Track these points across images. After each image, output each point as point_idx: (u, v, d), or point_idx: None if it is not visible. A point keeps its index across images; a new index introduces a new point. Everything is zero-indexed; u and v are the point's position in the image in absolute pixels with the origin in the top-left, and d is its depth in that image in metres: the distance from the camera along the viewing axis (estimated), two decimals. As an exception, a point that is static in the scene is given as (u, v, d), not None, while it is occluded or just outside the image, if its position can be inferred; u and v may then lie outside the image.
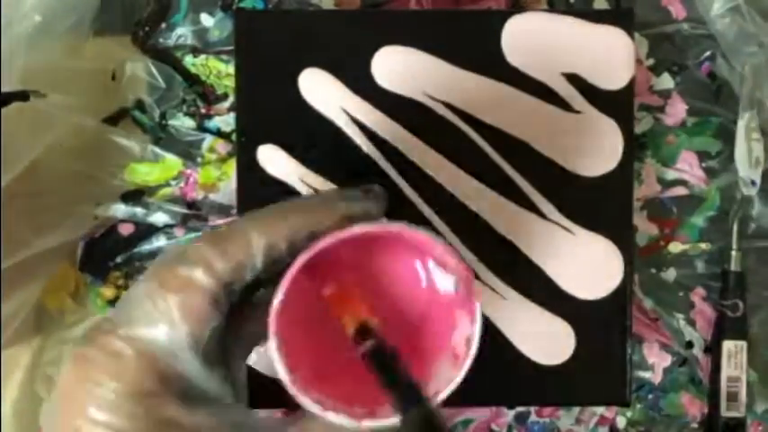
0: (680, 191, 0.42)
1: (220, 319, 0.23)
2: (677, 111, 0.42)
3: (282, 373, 0.23)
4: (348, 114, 0.37)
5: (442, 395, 0.24)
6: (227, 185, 0.41)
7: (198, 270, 0.23)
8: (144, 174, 0.41)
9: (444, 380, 0.25)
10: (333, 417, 0.23)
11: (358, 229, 0.24)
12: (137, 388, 0.22)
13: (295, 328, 0.24)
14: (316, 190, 0.37)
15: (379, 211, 0.27)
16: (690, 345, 0.43)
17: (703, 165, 0.42)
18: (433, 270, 0.27)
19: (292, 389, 0.23)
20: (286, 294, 0.23)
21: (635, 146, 0.39)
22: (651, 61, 0.42)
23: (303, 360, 0.24)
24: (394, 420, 0.23)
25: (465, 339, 0.25)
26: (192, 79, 0.41)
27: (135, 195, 0.41)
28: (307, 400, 0.23)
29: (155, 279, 0.23)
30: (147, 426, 0.22)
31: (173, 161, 0.41)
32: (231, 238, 0.24)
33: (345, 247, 0.24)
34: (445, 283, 0.27)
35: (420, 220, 0.38)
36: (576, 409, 0.42)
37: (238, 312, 0.25)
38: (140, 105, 0.41)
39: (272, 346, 0.23)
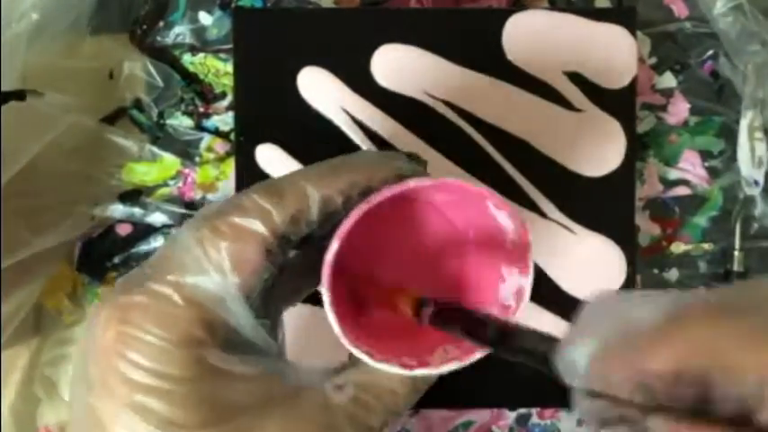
0: (682, 190, 0.42)
1: (273, 271, 0.23)
2: (680, 110, 0.42)
3: (334, 325, 0.23)
4: (347, 113, 0.37)
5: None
6: (225, 185, 0.41)
7: (254, 219, 0.22)
8: (142, 173, 0.41)
9: (514, 288, 0.25)
10: (385, 366, 0.23)
11: (414, 182, 0.24)
12: (184, 336, 0.21)
13: (340, 284, 0.24)
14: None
15: (424, 173, 0.27)
16: (692, 346, 0.42)
17: (706, 164, 0.42)
18: (491, 216, 0.27)
19: (345, 340, 0.23)
20: (340, 248, 0.23)
21: (637, 145, 0.39)
22: (653, 60, 0.42)
23: (348, 315, 0.24)
24: (445, 368, 0.24)
25: (515, 292, 0.25)
26: (190, 78, 0.41)
27: (133, 195, 0.41)
28: (359, 351, 0.23)
29: (206, 226, 0.22)
30: (195, 374, 0.21)
31: (171, 161, 0.41)
32: (288, 190, 0.23)
33: (390, 205, 0.24)
34: (499, 231, 0.27)
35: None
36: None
37: (284, 265, 0.25)
38: (138, 104, 0.41)
39: (326, 299, 0.23)
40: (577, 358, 0.18)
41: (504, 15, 0.37)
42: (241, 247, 0.22)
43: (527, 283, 0.25)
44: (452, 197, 0.27)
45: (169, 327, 0.21)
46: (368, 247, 0.27)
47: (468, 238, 0.28)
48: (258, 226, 0.22)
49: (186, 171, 0.41)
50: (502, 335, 0.21)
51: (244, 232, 0.22)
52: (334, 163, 0.25)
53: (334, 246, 0.23)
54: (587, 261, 0.38)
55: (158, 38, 0.41)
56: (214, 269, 0.22)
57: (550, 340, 0.19)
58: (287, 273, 0.25)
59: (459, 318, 0.23)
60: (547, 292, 0.37)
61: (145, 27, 0.41)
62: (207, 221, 0.23)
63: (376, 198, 0.23)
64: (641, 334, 0.16)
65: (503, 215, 0.25)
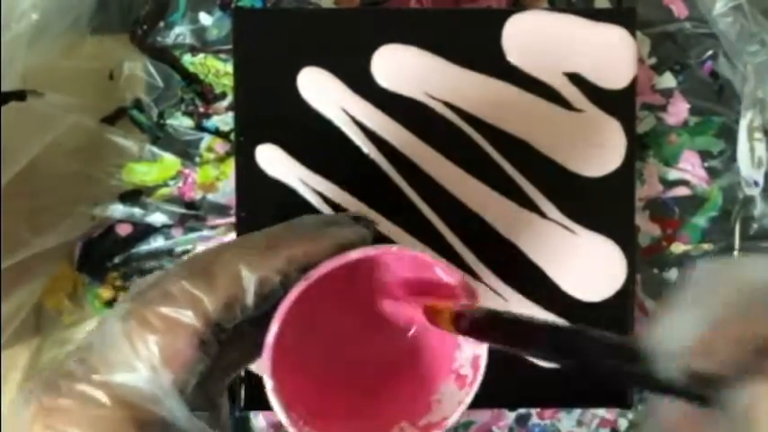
0: (682, 191, 0.42)
1: (208, 362, 0.22)
2: (679, 110, 0.42)
3: (282, 416, 0.22)
4: (347, 113, 0.37)
5: (451, 420, 0.24)
6: (225, 185, 0.41)
7: (184, 310, 0.21)
8: (142, 173, 0.41)
9: (451, 403, 0.24)
10: None
11: (356, 254, 0.23)
12: None
13: (286, 361, 0.23)
14: (316, 191, 0.37)
15: (370, 238, 0.26)
16: (692, 346, 0.42)
17: (705, 164, 0.42)
18: (443, 282, 0.26)
19: (293, 429, 0.22)
20: (281, 329, 0.22)
21: (637, 145, 0.39)
22: (653, 60, 0.42)
23: (298, 393, 0.23)
24: None
25: (471, 359, 0.24)
26: (190, 78, 0.41)
27: (133, 195, 0.41)
28: None
29: (134, 318, 0.21)
30: None
31: (171, 161, 0.41)
32: (220, 274, 0.22)
33: (332, 276, 0.23)
34: (452, 296, 0.26)
35: (419, 220, 0.37)
36: (578, 411, 0.42)
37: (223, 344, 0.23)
38: (138, 105, 0.41)
39: (269, 386, 0.22)
40: (680, 333, 0.16)
41: (503, 16, 0.37)
42: (171, 340, 0.21)
43: (483, 350, 0.24)
44: (404, 262, 0.26)
45: (97, 430, 0.20)
46: (316, 320, 0.26)
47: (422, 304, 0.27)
48: (188, 317, 0.21)
49: (186, 171, 0.41)
50: (566, 339, 0.19)
51: (173, 324, 0.21)
52: (270, 236, 0.23)
53: (273, 328, 0.22)
54: (587, 261, 0.38)
55: (159, 38, 0.41)
56: (144, 365, 0.21)
57: (625, 338, 0.17)
58: (225, 353, 0.23)
59: (507, 326, 0.22)
60: (547, 293, 0.38)
61: (145, 27, 0.41)
62: (134, 313, 0.21)
63: (315, 274, 0.22)
64: None
65: (453, 281, 0.24)
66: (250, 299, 0.22)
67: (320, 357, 0.26)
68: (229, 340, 0.23)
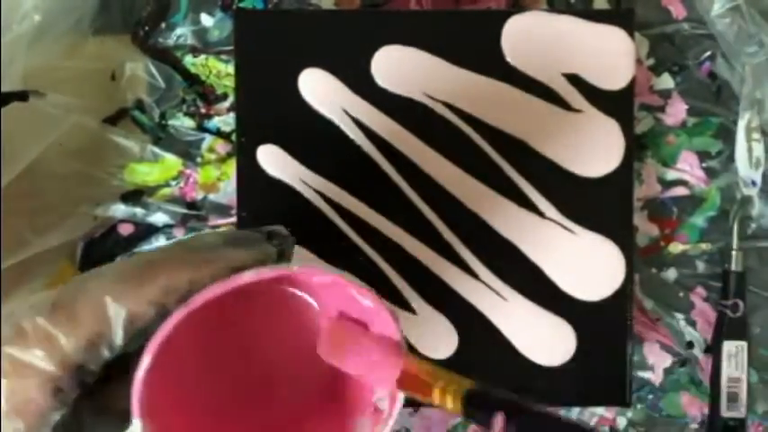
0: (680, 191, 0.42)
1: (65, 411, 0.19)
2: (677, 111, 0.42)
3: None
4: (348, 114, 0.37)
5: None
6: (226, 185, 0.41)
7: (37, 351, 0.18)
8: (144, 174, 0.41)
9: None
10: None
11: (248, 275, 0.20)
12: None
13: (171, 398, 0.21)
14: (317, 191, 0.37)
15: (280, 255, 0.23)
16: (690, 345, 0.42)
17: (703, 165, 0.42)
18: (359, 304, 0.23)
19: None
20: (153, 364, 0.19)
21: (635, 146, 0.39)
22: (651, 61, 0.42)
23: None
24: None
25: (390, 394, 0.22)
26: (191, 79, 0.41)
27: (135, 195, 0.41)
28: None
29: None
30: None
31: (172, 161, 0.41)
32: (83, 309, 0.19)
33: (231, 298, 0.20)
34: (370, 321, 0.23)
35: (419, 220, 0.37)
36: (576, 410, 0.42)
37: (102, 388, 0.21)
38: (140, 105, 0.41)
39: (136, 428, 0.19)
40: None
41: (503, 17, 0.38)
42: (21, 386, 0.18)
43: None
44: (317, 283, 0.23)
45: None
46: (211, 353, 0.23)
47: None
48: (40, 360, 0.18)
49: (188, 171, 0.41)
50: None
51: (25, 369, 0.18)
52: (147, 262, 0.20)
53: (144, 362, 0.19)
54: (586, 261, 0.38)
55: (160, 39, 0.41)
56: None
57: None
58: (106, 394, 0.21)
59: (527, 418, 0.19)
60: (545, 292, 0.38)
61: (147, 28, 0.41)
62: None
63: (197, 301, 0.19)
64: None
65: (368, 302, 0.21)
66: (118, 336, 0.19)
67: (223, 392, 0.24)
68: (113, 385, 0.21)
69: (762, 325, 0.43)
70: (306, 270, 0.21)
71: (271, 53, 0.37)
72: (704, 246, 0.42)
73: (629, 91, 0.38)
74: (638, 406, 0.43)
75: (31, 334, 0.19)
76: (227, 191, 0.41)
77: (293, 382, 0.25)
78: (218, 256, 0.21)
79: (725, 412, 0.41)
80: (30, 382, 0.18)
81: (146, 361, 0.19)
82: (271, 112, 0.37)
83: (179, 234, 0.41)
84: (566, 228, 0.38)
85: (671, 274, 0.42)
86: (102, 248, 0.41)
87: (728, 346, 0.41)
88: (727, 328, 0.41)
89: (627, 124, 0.38)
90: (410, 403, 0.22)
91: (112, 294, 0.19)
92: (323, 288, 0.23)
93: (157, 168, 0.41)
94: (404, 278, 0.38)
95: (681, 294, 0.43)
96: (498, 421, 0.18)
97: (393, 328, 0.22)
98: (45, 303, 0.19)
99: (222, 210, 0.41)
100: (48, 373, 0.19)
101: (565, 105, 0.38)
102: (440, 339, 0.38)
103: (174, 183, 0.41)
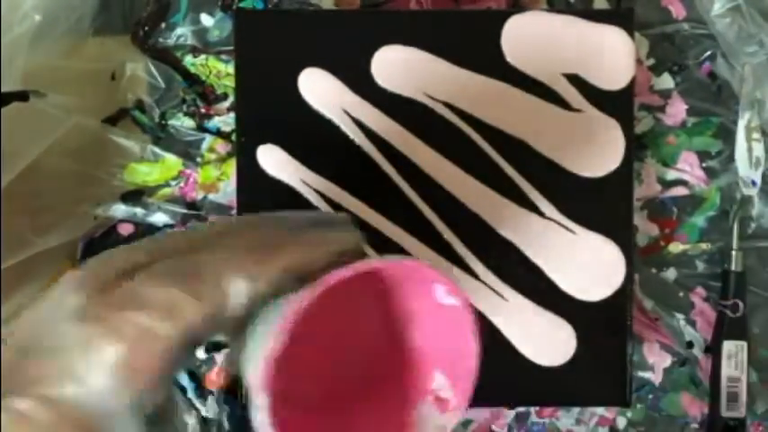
0: (680, 191, 0.42)
1: (174, 378, 0.19)
2: (677, 111, 0.42)
3: None
4: (348, 114, 0.37)
5: None
6: (226, 185, 0.41)
7: (163, 318, 0.18)
8: (144, 174, 0.41)
9: (432, 428, 0.22)
10: None
11: (377, 261, 0.20)
12: None
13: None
14: (317, 191, 0.37)
15: (363, 241, 0.22)
16: (690, 345, 0.43)
17: (703, 165, 0.42)
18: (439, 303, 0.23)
19: None
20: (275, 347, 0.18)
21: (635, 146, 0.39)
22: (651, 61, 0.42)
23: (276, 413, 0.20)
24: None
25: (450, 384, 0.22)
26: (191, 79, 0.41)
27: (135, 195, 0.41)
28: None
29: (94, 321, 0.17)
30: None
31: (172, 161, 0.41)
32: (205, 280, 0.18)
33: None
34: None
35: (419, 220, 0.38)
36: (576, 410, 0.42)
37: None
38: (140, 105, 0.41)
39: (261, 403, 0.18)
40: None
41: (502, 17, 0.38)
42: (139, 353, 0.17)
43: (468, 376, 0.22)
44: (400, 273, 0.23)
45: None
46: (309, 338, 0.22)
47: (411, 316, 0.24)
48: (166, 326, 0.18)
49: (188, 171, 0.41)
50: None
51: (146, 333, 0.17)
52: (264, 238, 0.20)
53: (278, 341, 0.18)
54: (586, 261, 0.38)
55: (160, 39, 0.41)
56: (100, 378, 0.17)
57: None
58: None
59: None
60: (545, 292, 0.38)
61: (147, 28, 0.41)
62: (96, 313, 0.18)
63: (329, 280, 0.19)
64: None
65: (456, 302, 0.21)
66: (237, 311, 0.19)
67: (297, 371, 0.24)
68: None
69: (761, 325, 0.43)
70: (405, 262, 0.20)
71: (271, 53, 0.37)
72: (704, 246, 0.43)
73: (629, 91, 0.38)
74: (638, 406, 0.43)
75: (154, 301, 0.18)
76: (227, 191, 0.41)
77: (354, 360, 0.25)
78: (326, 238, 0.20)
79: (725, 412, 0.41)
80: (149, 348, 0.18)
81: (281, 338, 0.18)
82: (271, 111, 0.37)
83: (179, 234, 0.41)
84: (566, 227, 0.38)
85: (671, 273, 0.43)
86: (102, 248, 0.41)
87: (728, 346, 0.41)
88: (726, 328, 0.41)
89: (627, 124, 0.38)
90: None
91: (239, 270, 0.19)
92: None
93: (157, 168, 0.41)
94: (404, 278, 0.38)
95: (681, 294, 0.43)
96: None
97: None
98: (160, 266, 0.19)
99: (222, 210, 0.41)
100: (171, 338, 0.18)
101: (565, 105, 0.38)
102: (440, 339, 0.38)
103: (174, 183, 0.41)
